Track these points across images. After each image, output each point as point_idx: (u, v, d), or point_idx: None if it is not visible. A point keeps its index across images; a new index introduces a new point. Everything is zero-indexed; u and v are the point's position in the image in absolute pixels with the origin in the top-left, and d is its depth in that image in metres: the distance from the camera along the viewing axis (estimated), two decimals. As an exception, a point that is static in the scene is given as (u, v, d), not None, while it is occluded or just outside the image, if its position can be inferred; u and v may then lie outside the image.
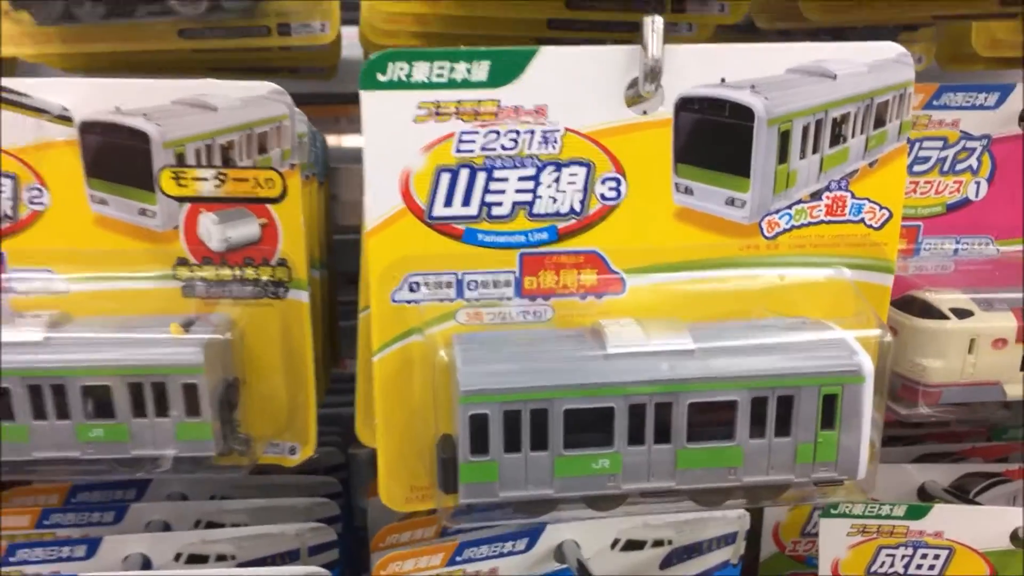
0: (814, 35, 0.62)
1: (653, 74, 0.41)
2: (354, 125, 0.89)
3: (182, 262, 0.48)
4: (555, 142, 0.41)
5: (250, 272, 0.48)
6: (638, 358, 0.40)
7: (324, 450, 0.74)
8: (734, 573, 0.56)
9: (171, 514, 0.59)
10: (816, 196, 0.43)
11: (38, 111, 0.46)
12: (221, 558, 0.55)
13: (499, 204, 0.42)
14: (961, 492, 0.61)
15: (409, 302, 0.42)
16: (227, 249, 0.48)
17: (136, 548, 0.55)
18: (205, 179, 0.47)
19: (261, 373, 0.49)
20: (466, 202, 0.41)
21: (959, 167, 0.53)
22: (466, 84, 0.40)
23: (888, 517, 0.54)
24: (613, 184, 0.42)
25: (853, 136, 0.43)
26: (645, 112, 0.42)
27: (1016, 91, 0.51)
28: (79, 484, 0.64)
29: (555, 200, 0.42)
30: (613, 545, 0.54)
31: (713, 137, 0.42)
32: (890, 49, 0.42)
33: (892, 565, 0.55)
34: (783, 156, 0.42)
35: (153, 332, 0.45)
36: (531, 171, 0.41)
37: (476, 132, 0.41)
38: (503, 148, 0.41)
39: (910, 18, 0.60)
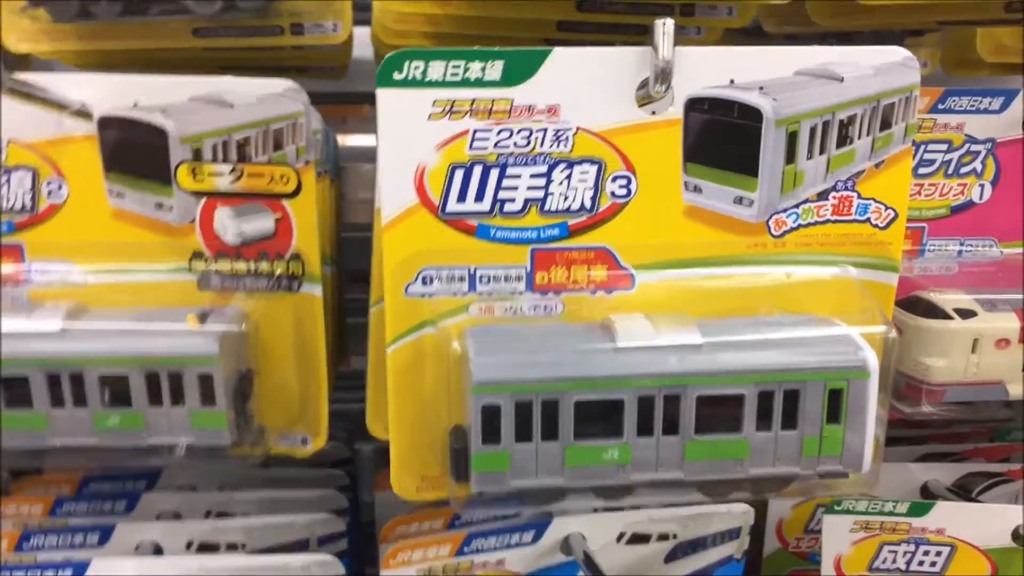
0: (821, 39, 0.63)
1: (664, 75, 0.41)
2: (363, 125, 0.90)
3: (197, 255, 0.49)
4: (567, 140, 0.42)
5: (264, 266, 0.49)
6: (647, 352, 0.40)
7: (330, 444, 0.74)
8: (738, 568, 0.57)
9: (182, 504, 0.60)
10: (823, 196, 0.44)
11: (58, 106, 0.47)
12: (232, 547, 0.56)
13: (512, 200, 0.43)
14: (963, 491, 0.61)
15: (422, 295, 0.43)
16: (242, 243, 0.48)
17: (148, 536, 0.55)
18: (221, 174, 0.47)
19: (274, 365, 0.50)
20: (479, 198, 0.42)
21: (963, 170, 0.53)
22: (480, 83, 0.41)
23: (891, 514, 0.55)
24: (623, 182, 0.43)
25: (859, 137, 0.44)
26: (655, 112, 0.42)
27: (1020, 96, 0.52)
28: (90, 475, 0.65)
29: (566, 197, 0.43)
30: (619, 538, 0.54)
31: (722, 137, 0.42)
32: (896, 53, 0.43)
33: (894, 562, 0.56)
34: (791, 156, 0.43)
35: (169, 323, 0.46)
36: (543, 168, 0.42)
37: (489, 130, 0.42)
38: (516, 146, 0.42)
39: (916, 23, 0.61)
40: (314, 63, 0.75)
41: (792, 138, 0.43)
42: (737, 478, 0.41)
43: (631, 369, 0.40)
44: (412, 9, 0.63)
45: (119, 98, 0.47)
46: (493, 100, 0.41)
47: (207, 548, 0.56)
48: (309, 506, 0.59)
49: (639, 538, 0.55)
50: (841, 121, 0.43)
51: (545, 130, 0.42)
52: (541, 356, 0.40)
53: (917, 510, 0.55)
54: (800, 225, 0.44)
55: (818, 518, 0.62)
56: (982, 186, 0.54)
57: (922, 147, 0.52)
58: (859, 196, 0.44)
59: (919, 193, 0.53)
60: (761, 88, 0.42)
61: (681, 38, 0.41)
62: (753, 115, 0.42)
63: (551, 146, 0.42)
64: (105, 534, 0.56)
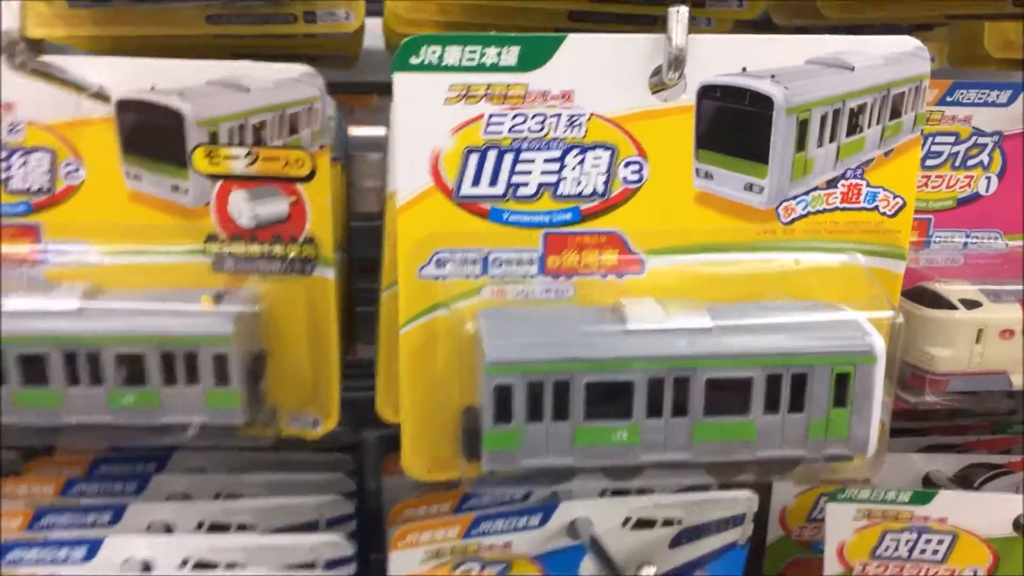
0: (831, 32, 0.63)
1: (677, 63, 0.42)
2: (371, 116, 0.90)
3: (212, 238, 0.49)
4: (580, 126, 0.43)
5: (278, 249, 0.49)
6: (657, 335, 0.41)
7: (337, 429, 0.75)
8: (741, 554, 0.58)
9: (192, 486, 0.61)
10: (832, 183, 0.45)
11: (78, 88, 0.47)
12: (242, 527, 0.57)
13: (525, 184, 0.43)
14: (965, 482, 0.62)
15: (436, 278, 0.44)
16: (256, 226, 0.49)
17: (159, 516, 0.56)
18: (237, 157, 0.48)
19: (287, 347, 0.51)
20: (493, 182, 0.43)
21: (970, 162, 0.54)
22: (496, 68, 0.42)
23: (894, 502, 0.56)
24: (636, 168, 0.44)
25: (869, 126, 0.44)
26: (668, 99, 0.43)
27: (1026, 90, 0.52)
28: (100, 457, 0.65)
29: (579, 182, 0.43)
30: (624, 523, 0.55)
31: (734, 124, 0.43)
32: (907, 43, 0.43)
33: (896, 549, 0.56)
34: (801, 144, 0.44)
35: (185, 304, 0.47)
36: (557, 153, 0.43)
37: (504, 115, 0.42)
38: (530, 131, 0.43)
39: (925, 17, 0.61)
40: (325, 51, 0.75)
41: (803, 126, 0.43)
42: (744, 460, 0.42)
43: (641, 351, 0.41)
44: (425, -3, 0.63)
45: (137, 81, 0.47)
46: (508, 85, 0.42)
47: (217, 528, 0.56)
48: (318, 489, 0.60)
49: (644, 523, 0.55)
50: (851, 110, 0.44)
51: (559, 115, 0.42)
52: (553, 338, 0.41)
53: (919, 499, 0.56)
54: (809, 212, 0.45)
55: (821, 507, 0.62)
56: (988, 179, 0.54)
57: (930, 139, 0.53)
58: (868, 184, 0.45)
59: (926, 185, 0.54)
60: (773, 76, 0.42)
61: (692, 28, 0.42)
62: (764, 103, 0.42)
63: (565, 131, 0.43)
64: (117, 514, 0.56)
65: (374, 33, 0.72)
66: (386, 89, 0.53)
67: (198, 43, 0.65)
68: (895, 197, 0.45)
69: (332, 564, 0.53)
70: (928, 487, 0.62)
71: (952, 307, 0.51)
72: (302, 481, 0.62)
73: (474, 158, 0.42)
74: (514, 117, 0.42)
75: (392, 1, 0.64)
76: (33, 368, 0.46)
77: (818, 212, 0.45)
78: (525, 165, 0.43)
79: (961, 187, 0.54)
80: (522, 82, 0.42)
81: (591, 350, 0.40)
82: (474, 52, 0.41)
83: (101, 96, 0.48)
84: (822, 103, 0.43)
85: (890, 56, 0.43)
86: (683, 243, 0.45)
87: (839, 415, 0.42)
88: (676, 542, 0.56)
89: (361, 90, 0.87)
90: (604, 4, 0.60)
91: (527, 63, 0.42)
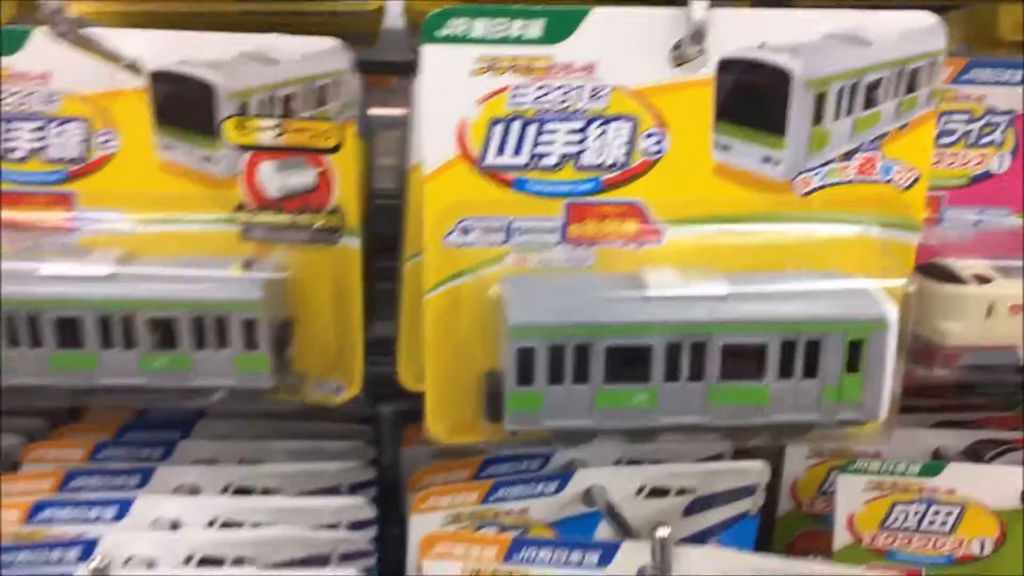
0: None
1: (698, 36, 0.43)
2: (389, 96, 0.91)
3: (241, 207, 0.51)
4: (603, 98, 0.44)
5: (305, 219, 0.51)
6: (676, 301, 0.42)
7: (355, 402, 0.76)
8: (752, 524, 0.59)
9: (217, 452, 0.62)
10: (848, 156, 0.46)
11: (114, 59, 0.48)
12: (267, 491, 0.58)
13: (548, 155, 0.44)
14: (974, 457, 0.63)
15: (460, 245, 0.45)
16: (284, 196, 0.50)
17: (187, 479, 0.58)
18: (266, 129, 0.49)
19: (312, 314, 0.52)
20: (517, 152, 0.44)
21: (983, 141, 0.55)
22: (521, 40, 0.43)
23: (903, 474, 0.57)
24: (656, 139, 0.45)
25: (885, 100, 0.45)
26: (688, 72, 0.44)
27: (1041, 69, 0.53)
28: (127, 424, 0.67)
29: (601, 153, 0.45)
30: (639, 491, 0.56)
31: (752, 97, 0.44)
32: (923, 18, 0.44)
33: (906, 520, 0.57)
34: (818, 117, 0.45)
35: (216, 270, 0.48)
36: (579, 124, 0.44)
37: (529, 86, 0.43)
38: (554, 102, 0.44)
39: (941, -2, 0.62)
40: (346, 29, 0.76)
41: (820, 99, 0.44)
42: (758, 424, 0.43)
43: (660, 317, 0.42)
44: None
45: (170, 53, 0.49)
46: (533, 57, 0.43)
47: (243, 492, 0.58)
48: (339, 455, 0.61)
49: (658, 492, 0.57)
50: (868, 84, 0.45)
51: (582, 87, 0.43)
52: (574, 303, 0.42)
53: (929, 471, 0.57)
54: (825, 184, 0.46)
55: (832, 480, 0.63)
56: (1001, 157, 0.55)
57: (943, 117, 0.54)
58: (883, 157, 0.46)
59: (939, 163, 0.54)
60: (791, 50, 0.43)
61: (713, 2, 0.43)
62: (783, 77, 0.43)
63: (587, 103, 0.44)
64: (145, 477, 0.58)
65: (393, 13, 0.72)
66: (404, 69, 0.54)
67: (224, 20, 0.66)
68: (910, 170, 0.46)
69: (355, 526, 0.54)
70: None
71: (963, 282, 0.52)
72: (324, 448, 0.63)
73: (499, 128, 0.44)
74: (538, 88, 0.43)
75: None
76: (68, 331, 0.47)
77: (834, 184, 0.46)
78: (548, 135, 0.44)
79: (974, 165, 0.55)
80: (546, 54, 0.43)
81: (611, 315, 0.42)
82: (500, 24, 0.42)
83: (135, 68, 0.49)
84: (839, 77, 0.44)
85: (907, 31, 0.44)
86: (701, 213, 0.46)
87: (852, 381, 0.43)
88: (689, 511, 0.58)
89: (380, 70, 0.88)
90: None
91: (552, 35, 0.43)
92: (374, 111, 0.95)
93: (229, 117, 0.49)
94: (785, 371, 0.43)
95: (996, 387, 0.70)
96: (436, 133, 0.44)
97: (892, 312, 0.42)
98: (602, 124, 0.44)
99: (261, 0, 0.64)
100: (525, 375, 0.42)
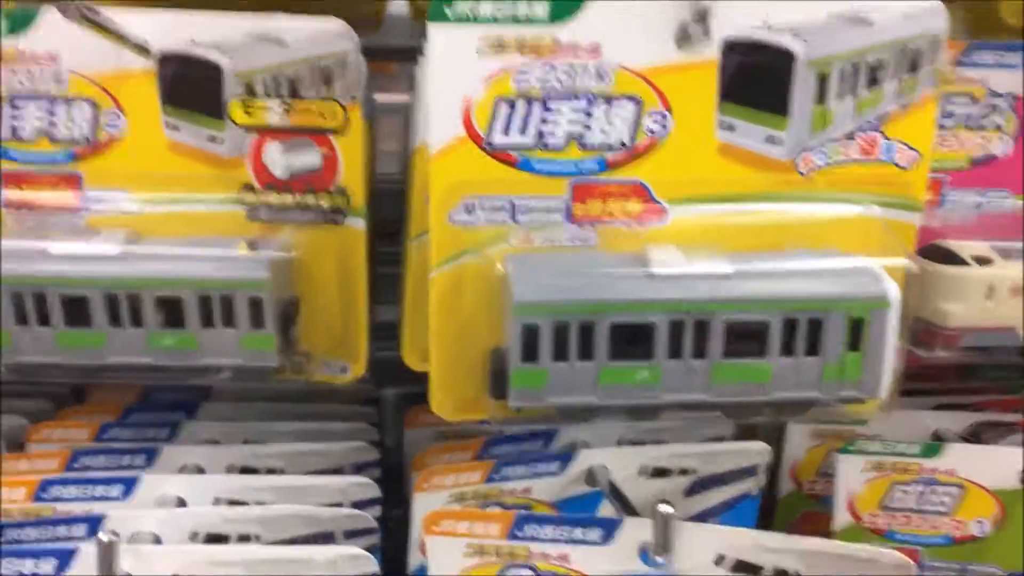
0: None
1: (701, 17, 0.43)
2: (389, 82, 0.92)
3: (247, 187, 0.51)
4: (607, 78, 0.44)
5: (311, 199, 0.51)
6: (679, 279, 0.43)
7: (357, 385, 0.77)
8: (754, 505, 0.59)
9: (222, 433, 0.63)
10: (850, 136, 0.46)
11: (122, 39, 0.49)
12: (271, 471, 0.59)
13: (553, 134, 0.45)
14: (974, 439, 0.63)
15: (466, 224, 0.46)
16: (290, 176, 0.51)
17: (191, 459, 0.58)
18: (272, 109, 0.50)
19: (318, 294, 0.53)
20: (523, 131, 0.44)
21: (985, 124, 0.55)
22: (527, 20, 0.43)
23: (903, 455, 0.57)
24: (660, 119, 0.45)
25: (887, 80, 0.45)
26: (692, 53, 0.44)
27: (1043, 52, 0.53)
28: (131, 406, 0.68)
29: (605, 132, 0.45)
30: (640, 472, 0.57)
31: (756, 78, 0.45)
32: (926, -1, 0.45)
33: (905, 501, 0.58)
34: (821, 97, 0.45)
35: (222, 249, 0.49)
36: (584, 104, 0.44)
37: (534, 66, 0.44)
38: (559, 82, 0.44)
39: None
40: (349, 15, 0.77)
41: (823, 80, 0.45)
42: (761, 401, 0.44)
43: (664, 294, 0.42)
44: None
45: (177, 34, 0.49)
46: (539, 37, 0.43)
47: (248, 471, 0.58)
48: (343, 437, 0.62)
49: (660, 472, 0.57)
50: (870, 64, 0.45)
51: (587, 67, 0.44)
52: (579, 281, 0.43)
53: (928, 451, 0.57)
54: (828, 164, 0.46)
55: (831, 462, 0.63)
56: (1003, 140, 0.55)
57: (945, 100, 0.54)
58: (885, 137, 0.46)
59: (941, 145, 0.55)
60: (794, 31, 0.44)
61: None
62: (786, 57, 0.44)
63: (592, 83, 0.44)
64: (150, 456, 0.58)
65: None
66: (408, 55, 0.55)
67: (229, 4, 0.66)
68: (911, 150, 0.46)
69: (359, 505, 0.55)
70: (937, 443, 0.64)
71: (964, 264, 0.52)
72: (327, 430, 0.64)
73: (504, 108, 0.44)
74: (543, 68, 0.44)
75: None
76: (77, 310, 0.48)
77: (836, 164, 0.46)
78: (553, 115, 0.44)
79: (975, 148, 0.55)
80: (552, 34, 0.43)
81: (615, 292, 0.42)
82: (506, 5, 0.43)
83: (143, 49, 0.49)
84: (842, 57, 0.45)
85: (908, 12, 0.45)
86: (705, 193, 0.46)
87: (853, 359, 0.44)
88: (691, 491, 0.58)
89: (381, 56, 0.88)
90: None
91: (557, 16, 0.43)
92: (376, 97, 0.95)
93: (236, 98, 0.49)
94: (787, 349, 0.43)
95: (998, 371, 0.70)
96: (442, 112, 0.44)
97: (893, 290, 0.43)
98: (607, 104, 0.45)
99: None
100: (530, 352, 0.42)
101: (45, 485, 0.53)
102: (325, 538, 0.52)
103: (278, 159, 0.51)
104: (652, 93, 0.45)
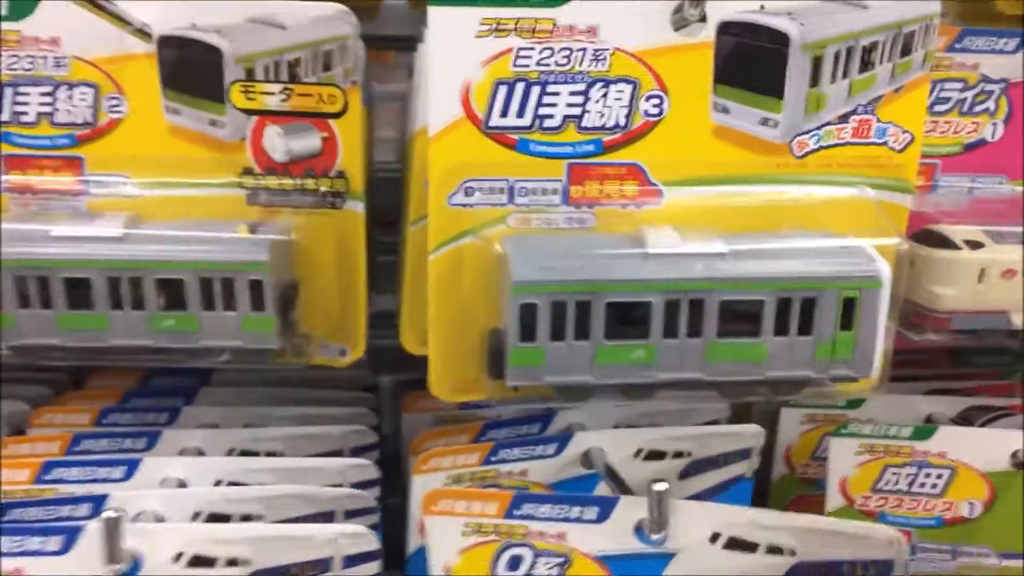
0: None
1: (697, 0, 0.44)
2: (386, 72, 0.92)
3: (248, 171, 0.51)
4: (604, 60, 0.45)
5: (310, 183, 0.52)
6: (674, 259, 0.43)
7: (355, 372, 0.77)
8: (748, 486, 0.60)
9: (221, 417, 0.63)
10: (844, 119, 0.47)
11: (123, 22, 0.49)
12: (271, 454, 0.59)
13: (551, 116, 0.45)
14: (966, 423, 0.64)
15: (464, 205, 0.46)
16: (290, 160, 0.51)
17: (191, 443, 0.59)
18: (272, 93, 0.50)
19: (317, 277, 0.53)
20: (520, 113, 0.45)
21: (977, 109, 0.56)
22: (525, 3, 0.44)
23: (895, 438, 0.58)
24: (656, 101, 0.46)
25: (881, 63, 0.46)
26: (688, 35, 0.45)
27: (1034, 37, 0.54)
28: (131, 391, 0.68)
29: (602, 114, 0.45)
30: (636, 454, 0.57)
31: (751, 60, 0.45)
32: (918, -18, 0.45)
33: (897, 483, 0.59)
34: (815, 80, 0.46)
35: (223, 232, 0.49)
36: (581, 87, 0.45)
37: (532, 48, 0.44)
38: (556, 64, 0.45)
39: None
40: (347, 1, 0.77)
41: (817, 62, 0.45)
42: (755, 380, 0.44)
43: (659, 274, 0.43)
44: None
45: (178, 18, 0.49)
46: (537, 19, 0.44)
47: (247, 454, 0.59)
48: (341, 421, 0.62)
49: (655, 454, 0.58)
50: (864, 47, 0.46)
51: (584, 49, 0.44)
52: (576, 260, 0.43)
53: (920, 434, 0.58)
54: (821, 146, 0.47)
55: (824, 446, 0.64)
56: (995, 125, 0.56)
57: (938, 86, 0.55)
58: (878, 120, 0.47)
59: (934, 130, 0.55)
60: (789, 14, 0.44)
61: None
62: (780, 39, 0.44)
63: (590, 65, 0.45)
64: (151, 440, 0.59)
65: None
66: (406, 43, 0.55)
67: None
68: (904, 132, 0.47)
69: (358, 487, 0.55)
70: (929, 427, 0.64)
71: (956, 247, 0.53)
72: (326, 414, 0.64)
73: (503, 90, 0.45)
74: (542, 51, 0.44)
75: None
76: (78, 292, 0.48)
77: (830, 146, 0.47)
78: (551, 97, 0.45)
79: (968, 133, 0.56)
80: (550, 16, 0.44)
81: (612, 272, 0.43)
82: (505, -13, 0.43)
83: (144, 32, 0.49)
84: (836, 40, 0.45)
85: (902, -4, 0.45)
86: (700, 175, 0.47)
87: (845, 338, 0.44)
88: (685, 474, 0.59)
89: (379, 45, 0.89)
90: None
91: (555, -2, 0.44)
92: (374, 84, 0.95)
93: (236, 81, 0.50)
94: (781, 328, 0.44)
95: (989, 356, 0.71)
96: (442, 94, 0.44)
97: (885, 270, 0.43)
98: (604, 86, 0.45)
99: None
100: (527, 331, 0.43)
101: (48, 467, 0.54)
102: (326, 517, 0.52)
103: (278, 143, 0.51)
104: (648, 75, 0.45)
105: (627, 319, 0.43)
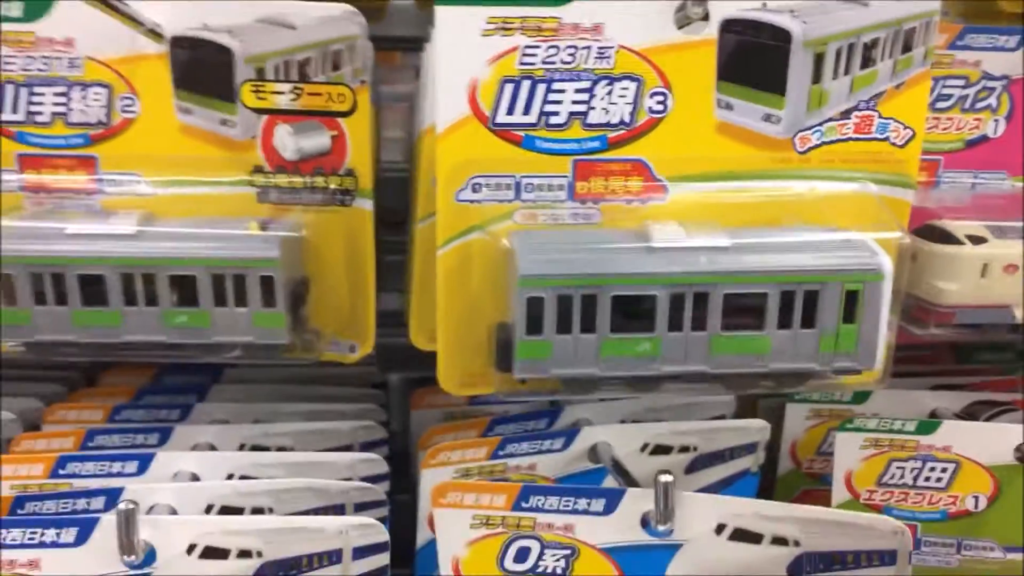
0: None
1: (700, -2, 0.45)
2: (393, 74, 0.93)
3: (258, 170, 0.52)
4: (609, 58, 0.46)
5: (320, 181, 0.52)
6: (679, 252, 0.44)
7: (363, 369, 0.78)
8: (753, 481, 0.60)
9: (232, 413, 0.64)
10: (846, 115, 0.48)
11: (135, 22, 0.50)
12: (281, 449, 0.60)
13: (556, 113, 0.46)
14: (971, 418, 0.64)
15: (471, 201, 0.47)
16: (300, 159, 0.52)
17: (203, 438, 0.59)
18: (282, 92, 0.51)
19: (326, 274, 0.54)
20: (527, 111, 0.46)
21: (979, 105, 0.56)
22: (531, 1, 0.44)
23: (900, 432, 0.58)
24: (660, 98, 0.46)
25: (882, 59, 0.47)
26: (691, 33, 0.46)
27: (1035, 34, 0.55)
28: (143, 388, 0.69)
29: (607, 111, 0.46)
30: (642, 449, 0.58)
31: (753, 57, 0.46)
32: (919, -21, 0.46)
33: (902, 477, 0.59)
34: (817, 77, 0.46)
35: (234, 229, 0.50)
36: (587, 84, 0.46)
37: (538, 46, 0.45)
38: (562, 62, 0.45)
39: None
40: (355, 3, 0.78)
41: (819, 59, 0.46)
42: (759, 372, 0.45)
43: (664, 267, 0.43)
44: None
45: (190, 19, 0.50)
46: (542, 18, 0.44)
47: (258, 450, 0.60)
48: (351, 416, 0.63)
49: (662, 449, 0.58)
50: (865, 44, 0.46)
51: (589, 47, 0.45)
52: (582, 255, 0.44)
53: (925, 428, 0.58)
54: (824, 142, 0.48)
55: (830, 441, 0.65)
56: (996, 121, 0.57)
57: (940, 82, 0.55)
58: (879, 115, 0.47)
59: (936, 127, 0.56)
60: (791, 11, 0.45)
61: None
62: (783, 36, 0.45)
63: (594, 62, 0.45)
64: (164, 436, 0.60)
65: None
66: (413, 44, 0.56)
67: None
68: (905, 128, 0.48)
69: (368, 481, 0.56)
70: (933, 422, 0.65)
71: (959, 243, 0.53)
72: (336, 410, 0.65)
73: (509, 88, 0.45)
74: (547, 49, 0.45)
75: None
76: (93, 289, 0.49)
77: (832, 142, 0.48)
78: (557, 95, 0.46)
79: (970, 129, 0.56)
80: (555, 15, 0.44)
81: (617, 266, 0.43)
82: (511, -14, 0.44)
83: (156, 33, 0.50)
84: (838, 37, 0.46)
85: (903, -8, 0.46)
86: (704, 171, 0.47)
87: (848, 330, 0.45)
88: (691, 468, 0.59)
89: (386, 46, 0.89)
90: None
91: (560, -4, 0.44)
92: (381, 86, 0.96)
93: (247, 81, 0.51)
94: (784, 321, 0.45)
95: (993, 352, 0.71)
96: (449, 92, 0.45)
97: (887, 263, 0.44)
98: (609, 83, 0.46)
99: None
100: (534, 324, 0.44)
101: (63, 461, 0.55)
102: (336, 511, 0.53)
103: (288, 141, 0.52)
104: (653, 72, 0.46)
105: (632, 312, 0.44)
